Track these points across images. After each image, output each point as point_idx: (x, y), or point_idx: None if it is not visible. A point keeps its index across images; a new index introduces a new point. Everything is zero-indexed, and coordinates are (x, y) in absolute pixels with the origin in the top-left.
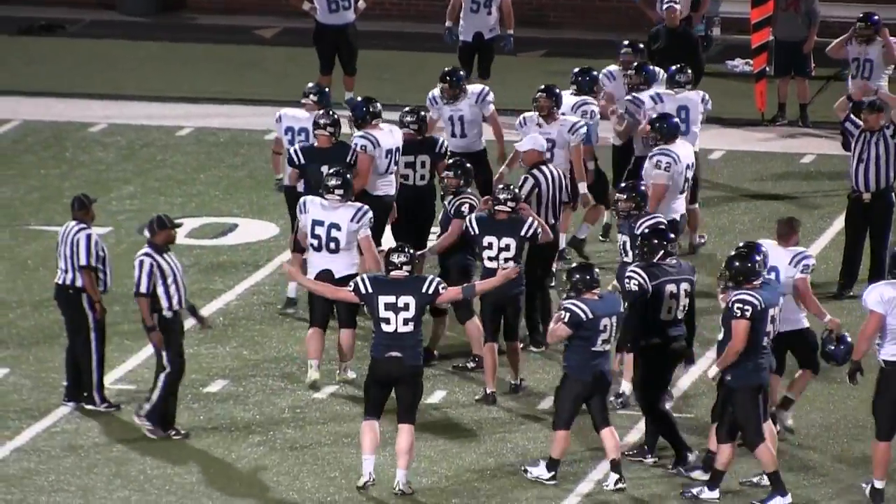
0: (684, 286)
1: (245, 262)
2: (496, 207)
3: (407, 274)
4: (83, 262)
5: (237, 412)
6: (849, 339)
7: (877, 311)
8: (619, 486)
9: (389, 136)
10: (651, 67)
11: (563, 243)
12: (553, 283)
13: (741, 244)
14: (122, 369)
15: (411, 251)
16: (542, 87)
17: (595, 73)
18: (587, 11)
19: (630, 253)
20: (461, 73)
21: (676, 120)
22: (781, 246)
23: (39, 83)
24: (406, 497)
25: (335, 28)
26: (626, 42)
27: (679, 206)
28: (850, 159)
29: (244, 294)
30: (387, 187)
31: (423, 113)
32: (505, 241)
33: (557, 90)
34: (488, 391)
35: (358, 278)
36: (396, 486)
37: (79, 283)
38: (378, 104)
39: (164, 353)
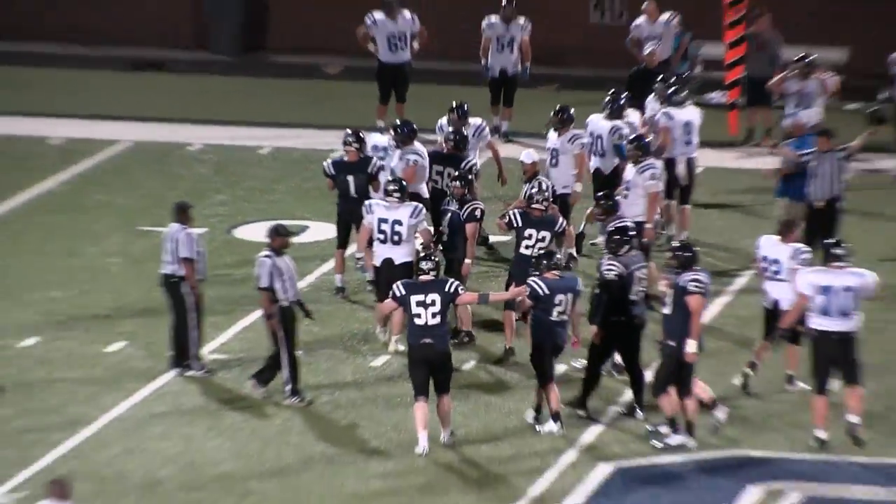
0: (641, 272)
1: (314, 256)
2: (532, 206)
3: (433, 277)
4: (184, 255)
5: (309, 377)
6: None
7: (804, 293)
8: (559, 432)
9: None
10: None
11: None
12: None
13: (678, 242)
14: (216, 342)
15: (436, 259)
16: (557, 106)
17: (623, 99)
18: (595, 52)
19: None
20: (465, 106)
21: (649, 139)
22: (783, 242)
23: (147, 111)
24: (449, 448)
25: (394, 65)
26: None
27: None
28: (808, 175)
29: (314, 282)
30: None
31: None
32: (542, 233)
33: (571, 110)
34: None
35: (394, 286)
36: (442, 440)
37: (180, 272)
38: (414, 126)
39: (279, 336)
